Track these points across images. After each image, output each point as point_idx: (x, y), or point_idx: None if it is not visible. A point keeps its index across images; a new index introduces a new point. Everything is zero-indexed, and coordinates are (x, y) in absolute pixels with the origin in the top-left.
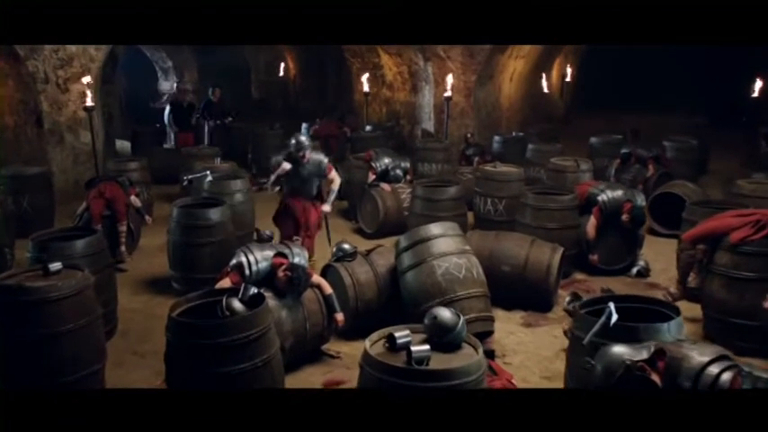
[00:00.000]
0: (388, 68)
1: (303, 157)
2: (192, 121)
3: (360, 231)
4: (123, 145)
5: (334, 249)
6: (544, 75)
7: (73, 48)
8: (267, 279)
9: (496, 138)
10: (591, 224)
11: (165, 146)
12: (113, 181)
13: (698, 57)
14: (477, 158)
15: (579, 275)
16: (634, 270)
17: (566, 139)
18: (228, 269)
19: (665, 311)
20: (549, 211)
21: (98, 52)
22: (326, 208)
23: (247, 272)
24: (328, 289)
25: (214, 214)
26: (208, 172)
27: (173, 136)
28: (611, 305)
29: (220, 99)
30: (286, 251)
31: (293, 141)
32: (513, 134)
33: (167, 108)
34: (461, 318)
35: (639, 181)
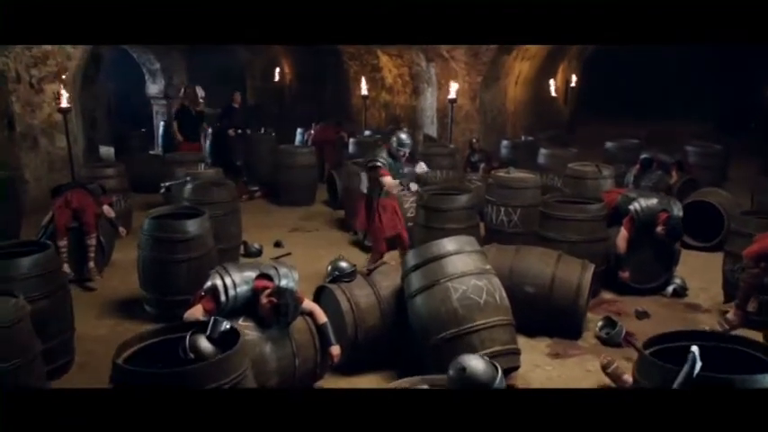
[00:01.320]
0: (387, 70)
1: (403, 156)
2: (202, 130)
3: (360, 244)
4: (109, 151)
5: (329, 268)
6: (553, 79)
7: (47, 45)
8: (248, 306)
9: (505, 143)
10: (621, 237)
11: (152, 152)
12: (82, 188)
13: (704, 62)
14: (482, 165)
15: (607, 295)
16: (670, 289)
17: (575, 145)
18: (202, 293)
19: (748, 351)
20: (575, 223)
21: (76, 50)
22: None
23: (223, 297)
24: (322, 317)
25: (191, 226)
26: (188, 179)
27: (160, 141)
28: (695, 350)
29: (241, 104)
30: (271, 272)
31: (394, 139)
32: (523, 138)
33: (173, 114)
34: (499, 371)
35: (661, 188)
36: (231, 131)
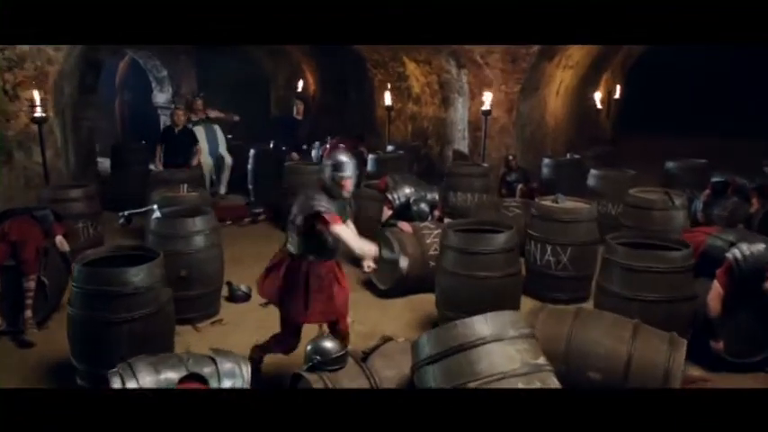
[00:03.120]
0: (414, 79)
1: (343, 185)
2: (193, 153)
3: (370, 285)
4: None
5: (308, 349)
6: (598, 89)
7: (25, 46)
8: None
9: (546, 161)
10: (714, 294)
11: (152, 166)
12: (28, 216)
13: (757, 75)
14: (520, 186)
15: (695, 371)
16: None
17: (622, 164)
18: None
19: None
20: (652, 275)
21: (57, 53)
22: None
23: None
24: None
25: (136, 275)
26: (155, 206)
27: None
28: None
29: (306, 117)
30: (206, 370)
31: (328, 164)
32: (568, 156)
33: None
34: None
35: (739, 219)
36: (295, 155)
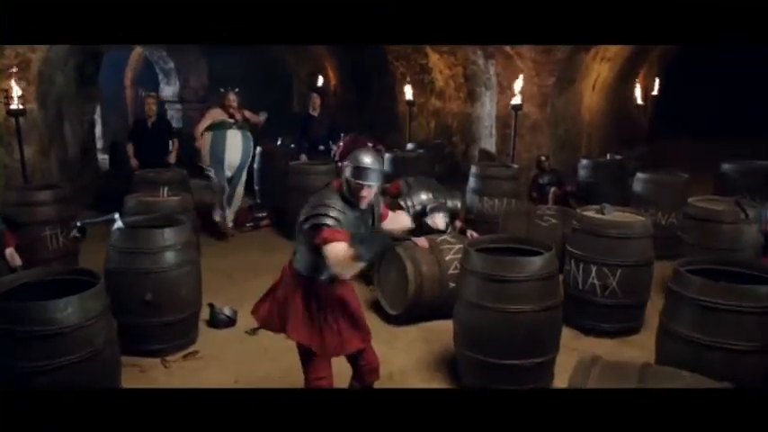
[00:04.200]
0: (437, 71)
1: (365, 195)
2: (170, 149)
3: (377, 308)
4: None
5: None
6: (639, 83)
7: None
8: None
9: (584, 162)
10: None
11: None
12: None
13: None
14: (553, 190)
15: None
16: None
17: (665, 164)
18: None
19: None
20: (740, 317)
21: None
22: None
23: None
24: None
25: (63, 310)
26: (116, 215)
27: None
28: None
29: (324, 113)
30: None
31: (349, 165)
32: (608, 157)
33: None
34: None
35: None
36: (303, 157)
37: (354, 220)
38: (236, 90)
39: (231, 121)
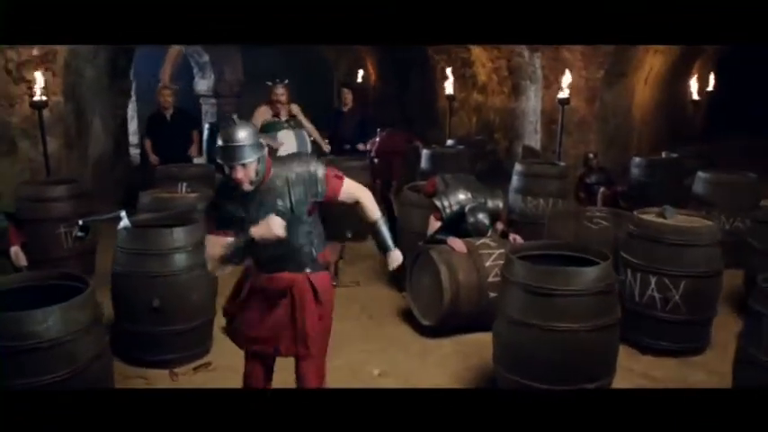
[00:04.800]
0: (480, 64)
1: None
2: (191, 142)
3: (409, 317)
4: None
5: None
6: (695, 76)
7: None
8: None
9: (637, 160)
10: None
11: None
12: None
13: None
14: (602, 190)
15: None
16: None
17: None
18: None
19: None
20: None
21: None
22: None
23: None
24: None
25: (41, 322)
26: (123, 213)
27: (204, 147)
28: None
29: (356, 109)
30: None
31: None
32: (664, 155)
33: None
34: None
35: None
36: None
37: (240, 203)
38: (286, 82)
39: (281, 120)
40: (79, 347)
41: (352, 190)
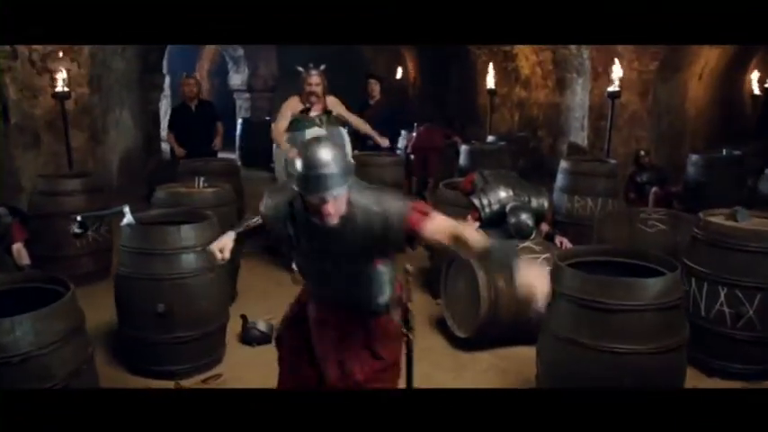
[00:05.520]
0: (523, 57)
1: None
2: (216, 134)
3: (443, 327)
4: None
5: None
6: (755, 71)
7: None
8: None
9: (694, 158)
10: None
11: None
12: None
13: None
14: (654, 189)
15: None
16: None
17: None
18: None
19: None
20: None
21: None
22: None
23: None
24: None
25: (8, 333)
26: (126, 209)
27: (237, 142)
28: None
29: (383, 101)
30: None
31: None
32: (725, 152)
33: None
34: None
35: None
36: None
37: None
38: (322, 68)
39: (309, 116)
40: (54, 362)
41: (443, 228)
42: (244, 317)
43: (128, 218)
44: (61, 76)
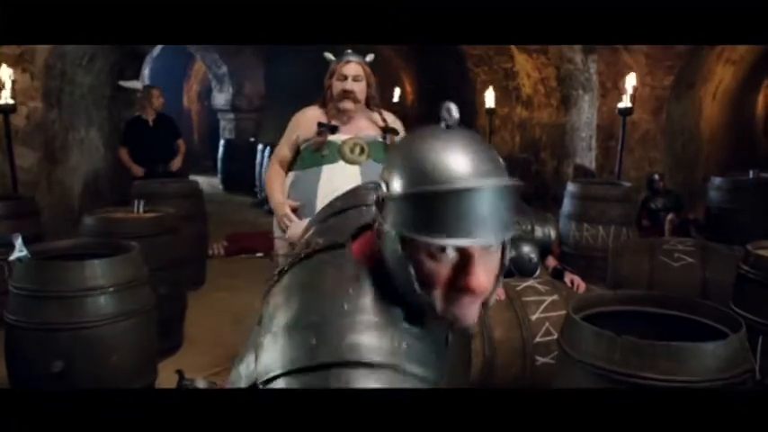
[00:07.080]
0: (524, 75)
1: None
2: (174, 153)
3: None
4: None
5: None
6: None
7: None
8: None
9: (717, 181)
10: None
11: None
12: None
13: None
14: (669, 217)
15: None
16: None
17: None
18: None
19: None
20: None
21: None
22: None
23: None
24: None
25: None
26: (17, 239)
27: (219, 165)
28: None
29: None
30: None
31: None
32: (752, 175)
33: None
34: None
35: None
36: None
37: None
38: (369, 58)
39: (329, 138)
40: None
41: None
42: (180, 372)
43: (18, 250)
44: (7, 86)
